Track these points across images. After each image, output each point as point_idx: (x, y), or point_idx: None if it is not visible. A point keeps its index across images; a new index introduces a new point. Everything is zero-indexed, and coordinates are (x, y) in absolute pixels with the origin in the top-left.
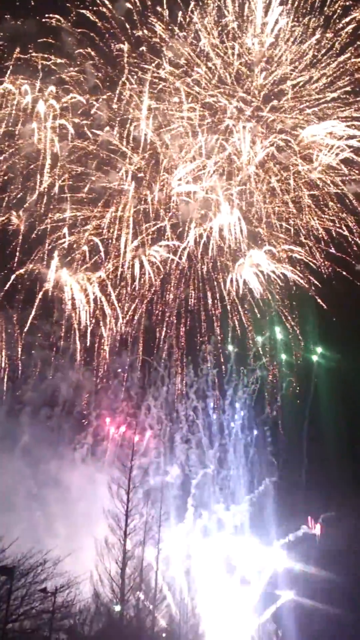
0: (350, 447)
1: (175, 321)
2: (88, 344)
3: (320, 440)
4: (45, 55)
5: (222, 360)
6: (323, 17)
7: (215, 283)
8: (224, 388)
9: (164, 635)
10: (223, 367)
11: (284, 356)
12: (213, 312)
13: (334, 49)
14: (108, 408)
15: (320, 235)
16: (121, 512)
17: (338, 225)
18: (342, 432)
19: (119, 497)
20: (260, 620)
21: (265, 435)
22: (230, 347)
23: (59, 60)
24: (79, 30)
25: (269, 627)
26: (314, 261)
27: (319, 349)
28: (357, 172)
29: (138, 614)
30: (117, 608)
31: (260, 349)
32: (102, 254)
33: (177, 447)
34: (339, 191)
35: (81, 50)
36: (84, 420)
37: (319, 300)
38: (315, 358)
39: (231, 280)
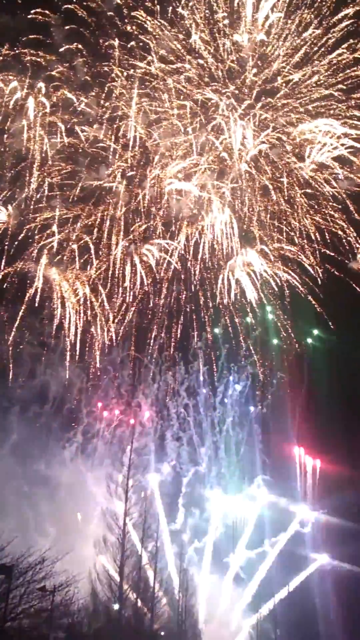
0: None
1: (166, 319)
2: (78, 342)
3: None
4: (34, 52)
5: (213, 358)
6: (314, 12)
7: (207, 282)
8: (215, 385)
9: (162, 633)
10: (214, 365)
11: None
12: (205, 311)
13: (326, 45)
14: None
15: (313, 233)
16: (120, 511)
17: (330, 223)
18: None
19: (117, 496)
20: (258, 618)
21: (256, 432)
22: (221, 345)
23: (48, 57)
24: (68, 26)
25: (266, 627)
26: (306, 260)
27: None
28: (349, 170)
29: (136, 613)
30: (116, 606)
31: (251, 346)
32: (92, 252)
33: (168, 445)
34: (331, 190)
35: (70, 46)
36: (75, 415)
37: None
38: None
39: (222, 280)
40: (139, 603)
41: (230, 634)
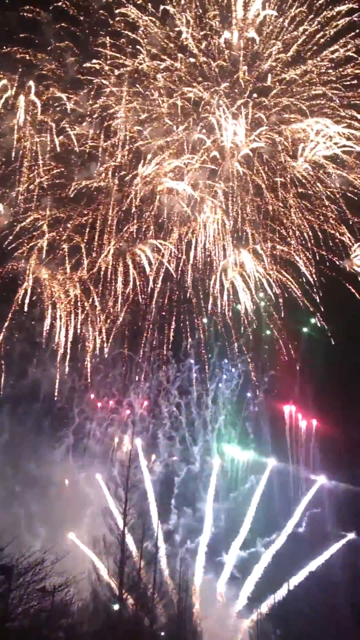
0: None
1: (158, 319)
2: (69, 342)
3: None
4: (24, 50)
5: (205, 357)
6: (307, 9)
7: (200, 282)
8: (207, 384)
9: (162, 633)
10: (207, 363)
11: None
12: (197, 312)
13: (319, 43)
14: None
15: (306, 231)
16: (119, 511)
17: (324, 222)
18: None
19: (117, 496)
20: (257, 617)
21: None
22: (213, 344)
23: (39, 55)
24: (58, 24)
25: (266, 627)
26: (299, 260)
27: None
28: (343, 169)
29: (136, 613)
30: (116, 607)
31: (242, 344)
32: (84, 252)
33: (160, 444)
34: (325, 189)
35: (60, 44)
36: (67, 415)
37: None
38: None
39: (214, 280)
40: (139, 603)
41: (230, 633)
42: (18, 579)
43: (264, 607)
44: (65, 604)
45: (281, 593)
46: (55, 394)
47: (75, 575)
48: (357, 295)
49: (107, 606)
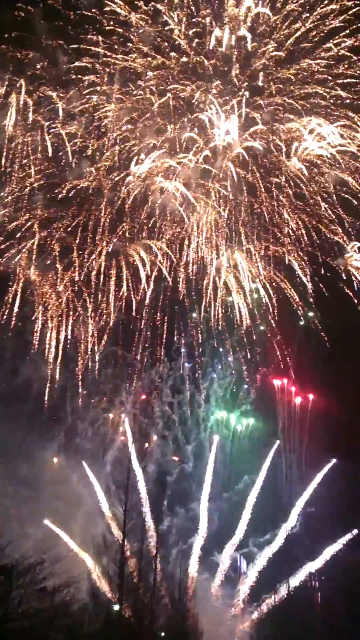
0: None
1: (151, 319)
2: (60, 342)
3: None
4: (14, 48)
5: (198, 355)
6: (300, 7)
7: (193, 281)
8: (199, 382)
9: (162, 634)
10: (198, 360)
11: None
12: (189, 311)
13: (314, 41)
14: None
15: (298, 230)
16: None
17: (317, 222)
18: None
19: (118, 497)
20: (255, 616)
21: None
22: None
23: (30, 54)
24: (49, 22)
25: (266, 627)
26: (293, 260)
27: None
28: (335, 167)
29: (136, 613)
30: (116, 607)
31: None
32: (75, 253)
33: (153, 443)
34: (319, 187)
35: (51, 42)
36: (58, 414)
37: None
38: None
39: (208, 280)
40: (139, 603)
41: (230, 633)
42: (18, 580)
43: (264, 607)
44: (65, 604)
45: (281, 593)
46: (46, 393)
47: (75, 575)
48: (349, 293)
49: (107, 606)
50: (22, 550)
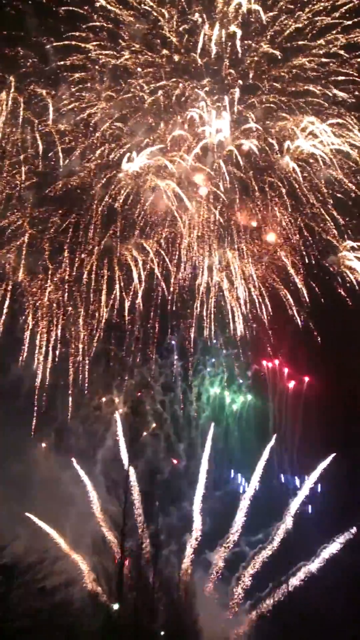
0: None
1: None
2: (51, 342)
3: None
4: (3, 46)
5: (189, 352)
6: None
7: (185, 280)
8: (189, 380)
9: (162, 633)
10: (190, 358)
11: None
12: (182, 309)
13: (306, 39)
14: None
15: (292, 230)
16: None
17: (309, 220)
18: None
19: (110, 496)
20: (253, 616)
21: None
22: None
23: (20, 51)
24: (39, 18)
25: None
26: (286, 260)
27: None
28: (328, 166)
29: (136, 613)
30: (116, 607)
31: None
32: (66, 252)
33: (145, 441)
34: (310, 186)
35: (41, 38)
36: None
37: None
38: None
39: (200, 278)
40: (139, 603)
41: (230, 633)
42: (18, 579)
43: (262, 607)
44: (65, 604)
45: (279, 593)
46: (37, 391)
47: (75, 575)
48: (342, 292)
49: (106, 606)
50: (21, 550)
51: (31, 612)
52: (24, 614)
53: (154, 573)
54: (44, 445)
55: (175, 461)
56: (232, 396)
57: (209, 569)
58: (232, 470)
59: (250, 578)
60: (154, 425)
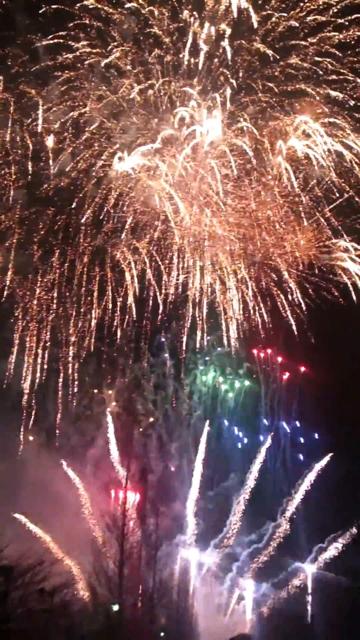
0: None
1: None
2: (41, 341)
3: None
4: None
5: (180, 351)
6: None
7: (177, 281)
8: (181, 378)
9: (162, 634)
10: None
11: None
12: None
13: (299, 37)
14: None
15: (285, 230)
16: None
17: (302, 220)
18: None
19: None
20: (251, 616)
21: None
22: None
23: (8, 49)
24: (29, 16)
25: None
26: (281, 262)
27: None
28: (321, 165)
29: (136, 614)
30: (115, 607)
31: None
32: (57, 254)
33: (136, 441)
34: (303, 186)
35: (31, 36)
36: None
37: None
38: None
39: (192, 280)
40: (139, 603)
41: (229, 633)
42: (18, 580)
43: (260, 608)
44: (65, 604)
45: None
46: (27, 391)
47: (75, 575)
48: (336, 293)
49: (106, 606)
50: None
51: (31, 613)
52: (23, 615)
53: (154, 574)
54: (33, 442)
55: (172, 468)
56: (226, 387)
57: (204, 570)
58: (227, 423)
59: (246, 578)
60: (151, 419)
